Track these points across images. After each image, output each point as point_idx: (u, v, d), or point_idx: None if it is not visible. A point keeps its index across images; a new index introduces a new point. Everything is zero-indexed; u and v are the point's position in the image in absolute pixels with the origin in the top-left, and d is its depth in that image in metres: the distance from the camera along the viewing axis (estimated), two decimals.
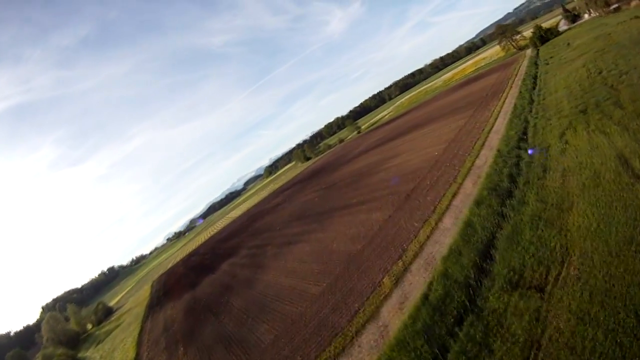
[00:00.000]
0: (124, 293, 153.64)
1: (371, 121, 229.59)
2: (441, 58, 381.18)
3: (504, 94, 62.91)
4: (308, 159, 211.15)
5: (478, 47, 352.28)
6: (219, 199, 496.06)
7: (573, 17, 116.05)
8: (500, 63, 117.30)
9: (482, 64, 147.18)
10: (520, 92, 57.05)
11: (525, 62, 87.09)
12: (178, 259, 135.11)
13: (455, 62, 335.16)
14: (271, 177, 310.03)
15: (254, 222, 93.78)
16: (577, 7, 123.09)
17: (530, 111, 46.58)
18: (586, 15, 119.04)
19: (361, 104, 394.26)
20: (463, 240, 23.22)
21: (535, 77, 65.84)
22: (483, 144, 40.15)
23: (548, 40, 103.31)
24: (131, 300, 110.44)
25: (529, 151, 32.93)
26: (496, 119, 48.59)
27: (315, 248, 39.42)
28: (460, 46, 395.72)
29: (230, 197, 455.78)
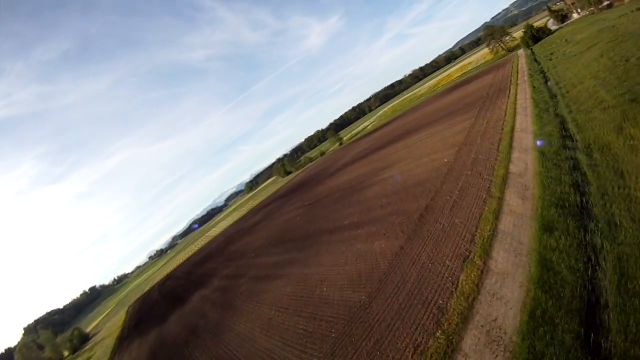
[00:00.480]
0: (102, 317, 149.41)
1: (353, 132, 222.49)
2: (421, 68, 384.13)
3: (511, 91, 55.33)
4: (288, 173, 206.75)
5: (457, 56, 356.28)
6: (200, 215, 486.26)
7: (562, 17, 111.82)
8: (491, 65, 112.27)
9: (470, 68, 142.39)
10: (534, 87, 49.71)
11: (523, 61, 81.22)
12: (156, 280, 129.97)
13: (435, 71, 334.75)
14: (252, 193, 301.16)
15: (230, 244, 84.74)
16: (565, 8, 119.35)
17: (557, 105, 38.21)
18: (575, 15, 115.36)
19: (341, 116, 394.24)
20: (545, 295, 13.74)
21: (542, 73, 58.50)
22: (511, 145, 31.56)
23: (540, 39, 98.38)
24: (107, 327, 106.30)
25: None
26: (514, 116, 40.33)
27: (297, 289, 29.56)
28: (440, 56, 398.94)
29: (212, 214, 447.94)
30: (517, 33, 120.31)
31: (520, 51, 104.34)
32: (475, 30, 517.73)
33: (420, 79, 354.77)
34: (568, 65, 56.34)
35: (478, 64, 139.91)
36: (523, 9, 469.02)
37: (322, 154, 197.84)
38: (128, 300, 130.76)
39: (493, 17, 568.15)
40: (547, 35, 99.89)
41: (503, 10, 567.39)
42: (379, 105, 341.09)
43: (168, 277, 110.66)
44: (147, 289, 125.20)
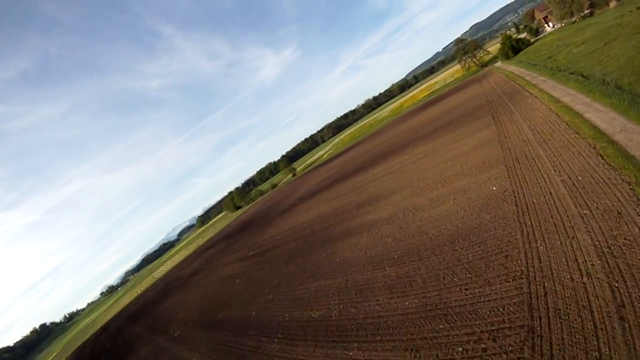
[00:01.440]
0: None
1: (308, 162, 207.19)
2: (374, 97, 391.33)
3: (531, 92, 40.38)
4: (238, 207, 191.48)
5: (411, 85, 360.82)
6: (153, 249, 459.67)
7: (535, 31, 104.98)
8: (465, 80, 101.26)
9: (437, 87, 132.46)
10: (579, 80, 34.05)
11: (513, 68, 68.79)
12: (97, 327, 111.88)
13: (390, 99, 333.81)
14: (203, 228, 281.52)
15: (165, 297, 67.92)
16: (537, 22, 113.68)
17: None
18: (548, 28, 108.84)
19: (294, 148, 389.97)
20: None
21: (560, 70, 45.04)
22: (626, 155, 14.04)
23: (520, 50, 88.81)
24: None
25: None
26: (580, 115, 23.82)
27: None
28: (393, 85, 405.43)
29: (164, 249, 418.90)
30: (492, 47, 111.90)
31: (499, 63, 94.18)
32: (428, 60, 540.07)
33: (374, 108, 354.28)
34: (594, 60, 43.73)
35: (446, 82, 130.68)
36: (475, 37, 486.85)
37: (274, 186, 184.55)
38: (70, 347, 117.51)
39: (445, 47, 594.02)
40: (527, 46, 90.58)
41: (455, 39, 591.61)
42: (332, 136, 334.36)
43: (104, 328, 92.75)
44: (86, 338, 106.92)
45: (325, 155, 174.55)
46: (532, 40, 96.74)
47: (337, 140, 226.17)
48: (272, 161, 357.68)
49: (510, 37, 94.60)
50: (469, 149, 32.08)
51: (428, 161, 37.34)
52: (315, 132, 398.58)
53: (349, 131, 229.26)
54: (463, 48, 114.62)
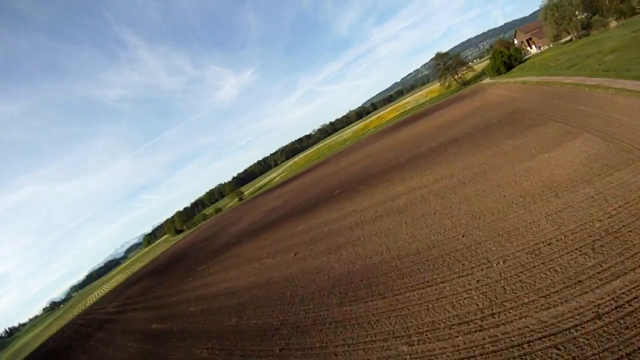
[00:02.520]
0: None
1: (257, 185, 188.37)
2: (331, 123, 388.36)
3: (599, 91, 24.85)
4: (179, 232, 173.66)
5: (369, 112, 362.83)
6: (99, 266, 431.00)
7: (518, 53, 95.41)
8: (449, 97, 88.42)
9: (409, 107, 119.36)
10: None
11: (529, 78, 56.04)
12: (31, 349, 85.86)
13: (347, 125, 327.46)
14: (149, 247, 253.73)
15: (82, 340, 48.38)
16: (517, 45, 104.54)
17: None
18: (532, 49, 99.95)
19: (246, 170, 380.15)
20: None
21: None
22: None
23: (513, 66, 77.71)
24: None
25: None
26: None
27: None
28: (351, 111, 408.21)
29: (110, 266, 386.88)
30: (477, 65, 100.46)
31: (487, 80, 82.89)
32: (386, 90, 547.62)
33: (330, 134, 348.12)
34: None
35: (419, 102, 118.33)
36: (433, 69, 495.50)
37: (218, 211, 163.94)
38: None
39: (403, 78, 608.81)
40: (519, 62, 79.36)
41: (414, 70, 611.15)
42: (285, 160, 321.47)
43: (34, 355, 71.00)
44: None
45: (277, 179, 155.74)
46: (522, 58, 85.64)
47: (290, 163, 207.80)
48: (222, 182, 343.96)
49: (502, 51, 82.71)
50: (571, 171, 14.85)
51: (478, 191, 19.92)
52: (269, 155, 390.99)
53: (304, 154, 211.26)
54: (444, 63, 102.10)
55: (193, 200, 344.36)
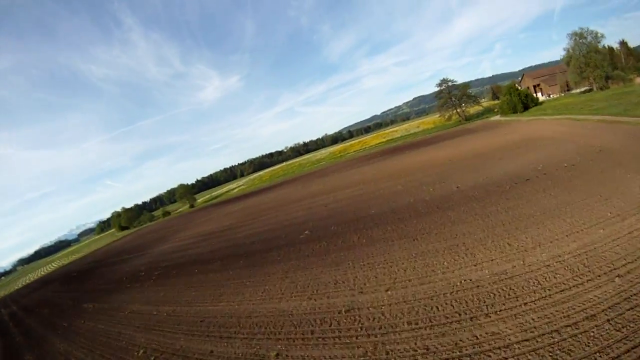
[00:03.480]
0: None
1: (215, 193, 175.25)
2: (304, 143, 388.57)
3: None
4: (124, 228, 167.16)
5: (345, 139, 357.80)
6: (49, 244, 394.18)
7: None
8: (452, 130, 78.41)
9: (398, 135, 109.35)
10: None
11: (556, 117, 44.46)
12: None
13: (321, 148, 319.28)
14: (100, 235, 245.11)
15: None
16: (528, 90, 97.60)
17: None
18: (540, 96, 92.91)
19: (211, 175, 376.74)
20: None
21: None
22: None
23: (528, 106, 69.08)
24: None
25: None
26: None
27: None
28: (327, 135, 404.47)
29: (60, 246, 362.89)
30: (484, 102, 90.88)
31: (497, 117, 73.39)
32: (364, 120, 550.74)
33: (302, 154, 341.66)
34: None
35: (410, 132, 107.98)
36: (415, 108, 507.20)
37: (166, 214, 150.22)
38: None
39: (383, 112, 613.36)
40: (535, 105, 71.92)
41: (395, 107, 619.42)
42: (252, 172, 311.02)
43: None
44: None
45: (236, 190, 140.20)
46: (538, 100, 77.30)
47: (254, 176, 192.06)
48: (185, 183, 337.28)
49: (518, 90, 73.45)
50: None
51: None
52: (237, 164, 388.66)
53: (270, 169, 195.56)
54: (449, 91, 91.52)
55: (153, 196, 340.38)
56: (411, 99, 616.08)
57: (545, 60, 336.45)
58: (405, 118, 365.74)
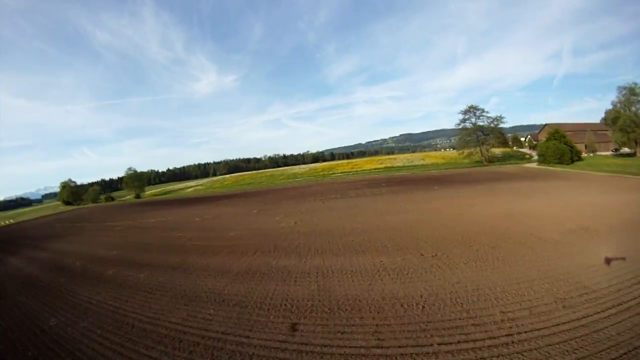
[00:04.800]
0: None
1: (170, 188, 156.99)
2: (284, 155, 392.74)
3: None
4: (68, 203, 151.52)
5: (325, 160, 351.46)
6: (9, 198, 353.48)
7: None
8: (482, 169, 66.53)
9: (400, 164, 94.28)
10: None
11: None
12: None
13: (300, 163, 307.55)
14: (49, 204, 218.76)
15: None
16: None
17: None
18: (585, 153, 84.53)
19: (183, 167, 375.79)
20: None
21: None
22: None
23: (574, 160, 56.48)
24: None
25: None
26: None
27: None
28: (308, 152, 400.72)
29: (19, 204, 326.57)
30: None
31: (534, 165, 61.65)
32: (348, 146, 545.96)
33: (280, 166, 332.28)
34: None
35: (414, 163, 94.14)
36: (400, 144, 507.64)
37: (109, 199, 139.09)
38: None
39: (368, 142, 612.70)
40: (578, 158, 60.38)
41: (381, 139, 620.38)
42: (225, 173, 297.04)
43: None
44: None
45: (190, 190, 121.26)
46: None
47: (218, 178, 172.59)
48: (157, 170, 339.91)
49: (564, 135, 61.74)
50: None
51: None
52: (212, 162, 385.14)
53: (238, 174, 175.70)
54: (474, 122, 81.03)
55: (122, 175, 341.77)
56: (398, 134, 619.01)
57: (537, 122, 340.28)
58: (390, 152, 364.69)
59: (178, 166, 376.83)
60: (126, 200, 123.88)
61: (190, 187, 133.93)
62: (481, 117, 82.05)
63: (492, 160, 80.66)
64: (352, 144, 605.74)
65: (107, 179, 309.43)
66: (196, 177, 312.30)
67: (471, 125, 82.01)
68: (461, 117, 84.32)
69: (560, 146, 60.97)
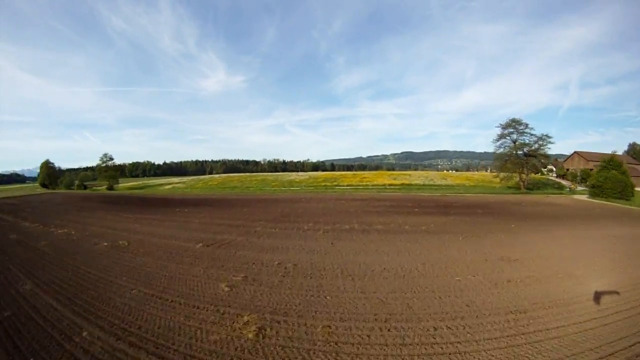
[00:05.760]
0: None
1: (151, 182, 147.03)
2: (284, 161, 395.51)
3: None
4: (44, 186, 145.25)
5: (325, 169, 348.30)
6: (5, 172, 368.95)
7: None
8: (528, 197, 57.18)
9: (419, 182, 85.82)
10: None
11: None
12: None
13: (298, 171, 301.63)
14: (28, 185, 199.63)
15: None
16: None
17: None
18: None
19: (182, 162, 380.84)
20: None
21: None
22: None
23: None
24: None
25: None
26: None
27: None
28: (308, 160, 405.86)
29: (12, 179, 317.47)
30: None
31: (584, 198, 57.25)
32: (349, 159, 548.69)
33: (278, 171, 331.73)
34: None
35: (435, 182, 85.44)
36: (401, 162, 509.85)
37: (80, 187, 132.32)
38: None
39: (369, 156, 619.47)
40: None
41: (382, 154, 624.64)
42: (222, 172, 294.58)
43: None
44: None
45: (168, 186, 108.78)
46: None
47: (205, 177, 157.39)
48: (153, 162, 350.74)
49: (620, 165, 54.39)
50: None
51: None
52: (209, 160, 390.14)
53: (224, 175, 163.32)
54: (515, 140, 71.15)
55: (118, 163, 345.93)
56: (399, 151, 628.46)
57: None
58: (390, 168, 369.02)
59: (176, 160, 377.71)
60: (95, 191, 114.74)
61: (172, 184, 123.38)
62: (524, 135, 71.05)
63: (528, 187, 70.38)
64: (353, 156, 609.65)
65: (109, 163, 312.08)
66: (193, 174, 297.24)
67: (511, 143, 71.63)
68: (500, 131, 73.79)
69: (621, 177, 53.11)
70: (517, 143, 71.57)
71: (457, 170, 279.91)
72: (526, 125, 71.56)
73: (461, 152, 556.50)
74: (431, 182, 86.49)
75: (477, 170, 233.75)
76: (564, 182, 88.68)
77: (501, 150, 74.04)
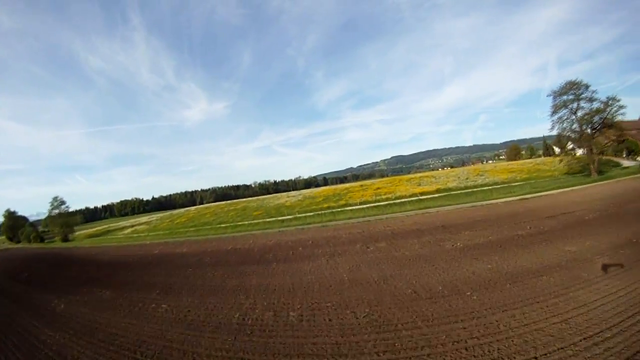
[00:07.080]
0: None
1: (114, 225, 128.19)
2: (275, 182, 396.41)
3: None
4: (10, 238, 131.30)
5: (318, 185, 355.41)
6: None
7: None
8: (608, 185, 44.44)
9: (454, 184, 69.88)
10: None
11: None
12: None
13: (292, 190, 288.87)
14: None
15: None
16: None
17: None
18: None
19: (170, 196, 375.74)
20: None
21: None
22: None
23: None
24: None
25: None
26: None
27: None
28: (300, 177, 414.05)
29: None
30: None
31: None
32: (340, 171, 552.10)
33: (270, 192, 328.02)
34: None
35: (475, 182, 69.33)
36: (392, 167, 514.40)
37: (37, 239, 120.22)
38: None
39: (359, 166, 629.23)
40: None
41: (372, 162, 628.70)
42: (212, 201, 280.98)
43: None
44: None
45: (127, 231, 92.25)
46: None
47: (174, 213, 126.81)
48: (142, 198, 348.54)
49: None
50: None
51: None
52: (199, 190, 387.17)
53: (235, 201, 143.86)
54: (577, 105, 54.09)
55: (106, 203, 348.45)
56: (389, 157, 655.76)
57: (527, 137, 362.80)
58: (383, 174, 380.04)
59: (165, 194, 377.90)
60: (48, 244, 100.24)
61: (135, 225, 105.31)
62: (589, 101, 53.85)
63: (600, 171, 53.99)
64: (343, 168, 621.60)
65: (91, 207, 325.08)
66: (182, 206, 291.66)
67: (571, 115, 54.41)
68: (553, 101, 56.62)
69: None
70: (585, 114, 54.10)
71: (451, 167, 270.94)
72: (586, 87, 54.25)
73: (450, 148, 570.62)
74: (473, 183, 69.06)
75: (487, 161, 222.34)
76: (616, 159, 73.85)
77: (562, 125, 56.66)
